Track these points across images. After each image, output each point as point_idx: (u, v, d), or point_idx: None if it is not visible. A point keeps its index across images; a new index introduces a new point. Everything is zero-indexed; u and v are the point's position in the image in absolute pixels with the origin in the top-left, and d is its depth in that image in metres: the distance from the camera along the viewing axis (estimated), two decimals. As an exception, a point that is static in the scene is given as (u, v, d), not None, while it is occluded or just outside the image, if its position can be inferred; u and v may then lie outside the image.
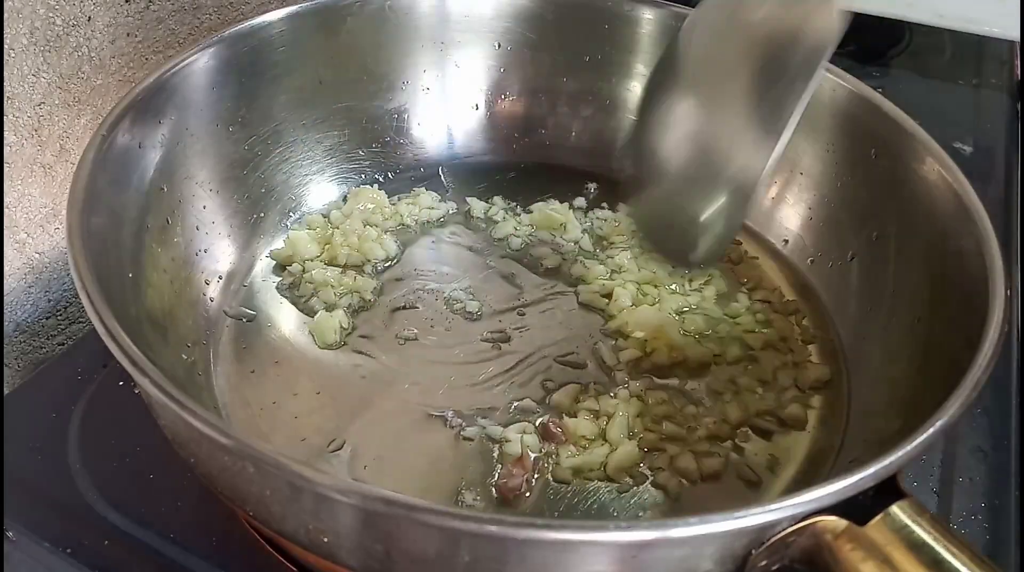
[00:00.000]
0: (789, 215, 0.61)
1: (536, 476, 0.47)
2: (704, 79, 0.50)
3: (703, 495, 0.47)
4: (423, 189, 0.65)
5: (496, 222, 0.64)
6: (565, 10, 0.66)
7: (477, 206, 0.65)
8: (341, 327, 0.54)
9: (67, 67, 0.56)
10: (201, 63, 0.54)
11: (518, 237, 0.62)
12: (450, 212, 0.64)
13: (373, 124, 0.65)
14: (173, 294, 0.51)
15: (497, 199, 0.65)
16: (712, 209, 0.50)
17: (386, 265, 0.60)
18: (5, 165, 0.54)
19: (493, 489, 0.46)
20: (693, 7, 0.63)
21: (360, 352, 0.53)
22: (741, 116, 0.48)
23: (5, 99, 0.52)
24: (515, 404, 0.51)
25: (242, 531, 0.44)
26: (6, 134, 0.53)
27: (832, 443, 0.50)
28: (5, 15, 0.51)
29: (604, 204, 0.65)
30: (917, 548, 0.33)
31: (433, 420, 0.50)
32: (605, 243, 0.62)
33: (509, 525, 0.31)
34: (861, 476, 0.32)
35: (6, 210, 0.55)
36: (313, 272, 0.57)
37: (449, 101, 0.67)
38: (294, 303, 0.56)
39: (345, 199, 0.64)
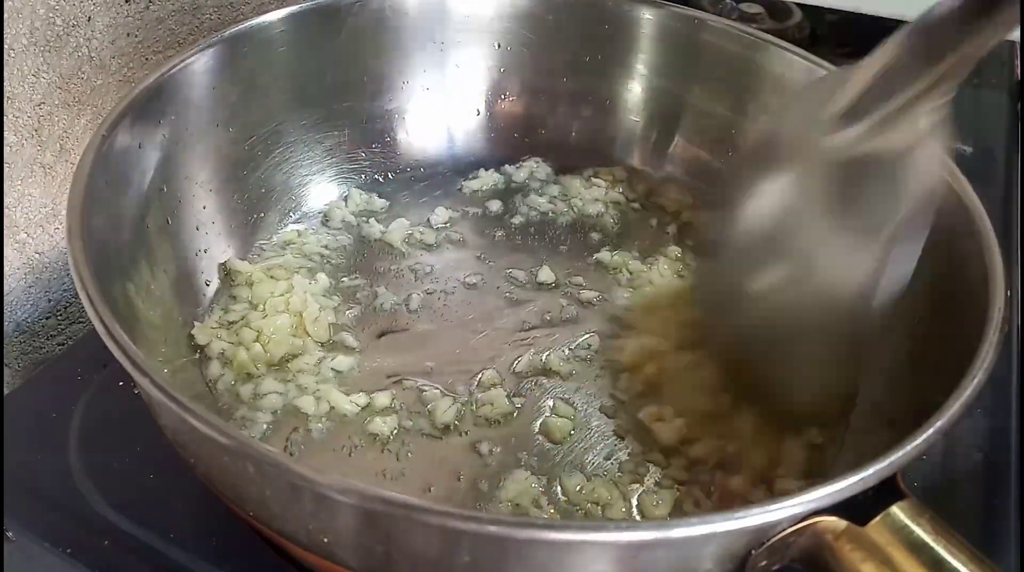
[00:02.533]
0: (789, 215, 0.61)
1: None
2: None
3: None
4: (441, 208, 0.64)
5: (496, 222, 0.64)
6: (565, 10, 0.66)
7: (477, 206, 0.65)
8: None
9: (67, 67, 0.56)
10: (201, 63, 0.53)
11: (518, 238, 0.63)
12: (450, 213, 0.64)
13: (373, 124, 0.65)
14: (173, 294, 0.51)
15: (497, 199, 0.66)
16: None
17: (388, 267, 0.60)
18: (5, 165, 0.54)
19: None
20: (693, 7, 0.63)
21: (360, 351, 0.53)
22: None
23: (5, 99, 0.52)
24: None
25: (242, 531, 0.44)
26: (6, 134, 0.53)
27: (832, 443, 0.50)
28: (5, 15, 0.51)
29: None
30: (917, 548, 0.33)
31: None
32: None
33: (509, 525, 0.31)
34: (861, 476, 0.32)
35: (6, 210, 0.55)
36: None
37: (449, 101, 0.67)
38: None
39: (346, 200, 0.64)
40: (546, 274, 0.59)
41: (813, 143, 0.44)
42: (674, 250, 0.62)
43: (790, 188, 0.46)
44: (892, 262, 0.43)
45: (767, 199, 0.48)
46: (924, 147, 0.41)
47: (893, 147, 0.41)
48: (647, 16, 0.64)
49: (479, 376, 0.52)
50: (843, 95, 0.43)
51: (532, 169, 0.68)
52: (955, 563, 0.32)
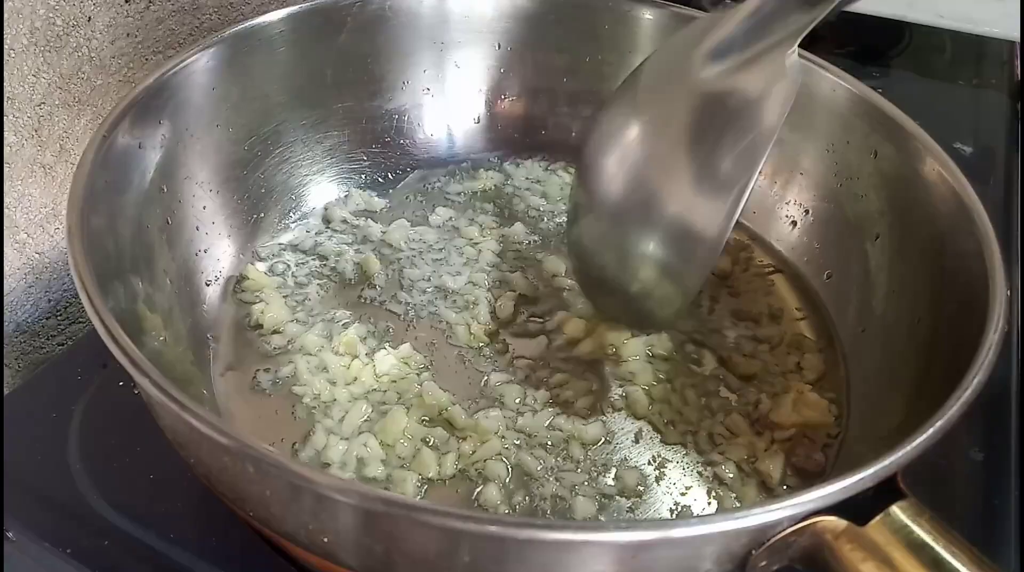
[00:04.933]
0: (788, 215, 0.61)
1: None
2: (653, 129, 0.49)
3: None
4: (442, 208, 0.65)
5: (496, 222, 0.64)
6: (565, 10, 0.66)
7: (477, 206, 0.65)
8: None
9: (67, 67, 0.56)
10: (201, 63, 0.54)
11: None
12: (450, 212, 0.64)
13: (373, 124, 0.65)
14: (173, 294, 0.51)
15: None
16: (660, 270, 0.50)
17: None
18: (5, 165, 0.54)
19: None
20: (693, 7, 0.63)
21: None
22: (689, 174, 0.47)
23: (5, 99, 0.52)
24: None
25: (242, 531, 0.44)
26: (6, 134, 0.53)
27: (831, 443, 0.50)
28: (5, 15, 0.51)
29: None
30: (917, 548, 0.33)
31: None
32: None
33: (509, 525, 0.31)
34: (861, 476, 0.33)
35: (6, 210, 0.55)
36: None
37: (449, 101, 0.67)
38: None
39: (346, 200, 0.64)
40: None
41: (681, 76, 0.47)
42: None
43: (655, 121, 0.49)
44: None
45: (633, 135, 0.50)
46: (778, 87, 0.43)
47: (751, 86, 0.44)
48: (647, 16, 0.64)
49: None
50: (714, 35, 0.46)
51: (532, 169, 0.68)
52: (955, 563, 0.32)
